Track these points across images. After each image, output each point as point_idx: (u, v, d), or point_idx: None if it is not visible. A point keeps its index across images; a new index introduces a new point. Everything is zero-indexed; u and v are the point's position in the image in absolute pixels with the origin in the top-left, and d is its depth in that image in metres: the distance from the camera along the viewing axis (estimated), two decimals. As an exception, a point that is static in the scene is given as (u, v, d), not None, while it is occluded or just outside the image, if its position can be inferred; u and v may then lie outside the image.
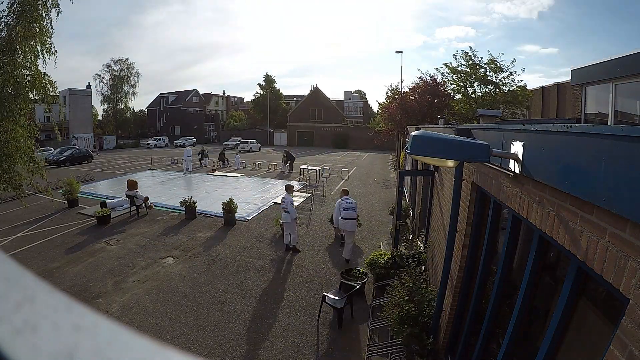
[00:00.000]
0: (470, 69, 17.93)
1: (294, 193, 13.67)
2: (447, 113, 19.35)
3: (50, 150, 29.69)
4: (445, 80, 19.94)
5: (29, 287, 0.25)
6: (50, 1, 7.56)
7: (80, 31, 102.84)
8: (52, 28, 7.82)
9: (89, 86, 45.62)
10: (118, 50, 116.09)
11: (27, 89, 7.65)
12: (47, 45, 7.73)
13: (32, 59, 7.60)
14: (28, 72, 7.65)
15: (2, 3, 7.32)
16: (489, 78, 17.55)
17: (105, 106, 54.25)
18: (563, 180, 1.61)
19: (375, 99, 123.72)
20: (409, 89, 22.75)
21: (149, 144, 44.39)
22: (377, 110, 32.98)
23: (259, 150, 39.52)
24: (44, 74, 7.84)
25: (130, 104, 55.65)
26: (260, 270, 7.80)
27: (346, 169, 22.19)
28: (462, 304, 3.80)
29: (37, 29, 7.50)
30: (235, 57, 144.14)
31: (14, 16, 7.34)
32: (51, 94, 8.09)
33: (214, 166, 22.80)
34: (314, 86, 50.93)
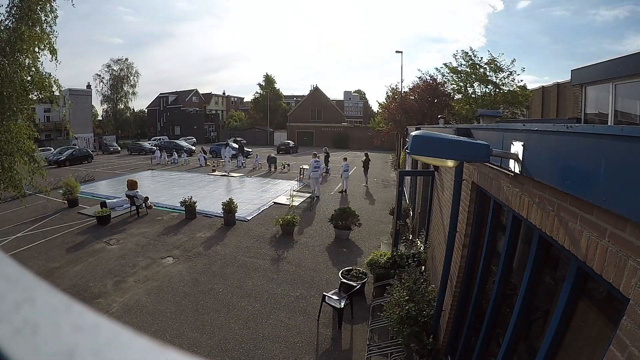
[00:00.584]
0: (470, 68, 17.92)
1: (295, 193, 13.66)
2: (447, 113, 19.35)
3: (50, 150, 29.71)
4: (445, 80, 19.93)
5: (29, 287, 0.25)
6: (48, 6, 7.59)
7: (122, 43, 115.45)
8: (52, 30, 7.85)
9: (89, 86, 45.62)
10: (147, 57, 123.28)
11: (29, 89, 7.69)
12: (49, 46, 7.75)
13: (33, 60, 7.62)
14: (30, 72, 7.67)
15: (1, 6, 7.36)
16: (489, 78, 17.54)
17: (105, 106, 54.31)
18: (563, 180, 1.61)
19: (375, 99, 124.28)
20: (409, 89, 22.76)
21: (149, 143, 44.40)
22: (377, 110, 32.96)
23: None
24: (49, 74, 7.89)
25: (130, 104, 55.74)
26: (260, 270, 7.81)
27: (346, 169, 22.14)
28: (462, 304, 3.80)
29: (39, 31, 7.53)
30: (242, 62, 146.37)
31: (13, 19, 7.37)
32: (56, 93, 8.14)
33: (213, 166, 22.80)
34: (314, 86, 50.93)
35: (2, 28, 7.34)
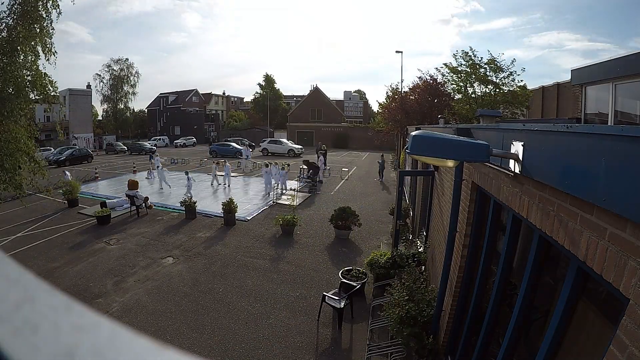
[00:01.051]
0: (470, 68, 17.88)
1: (295, 193, 13.66)
2: (447, 113, 19.32)
3: (50, 150, 29.72)
4: (446, 80, 19.90)
5: (29, 287, 0.25)
6: (50, 2, 7.57)
7: (155, 54, 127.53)
8: (52, 29, 7.83)
9: (89, 86, 45.61)
10: (170, 64, 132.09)
11: (27, 89, 7.67)
12: (48, 46, 7.74)
13: (33, 59, 7.61)
14: (29, 72, 7.66)
15: (2, 4, 7.33)
16: (489, 78, 17.51)
17: (105, 106, 54.34)
18: (563, 180, 1.61)
19: (376, 99, 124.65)
20: (409, 88, 22.74)
21: (148, 144, 44.47)
22: (377, 110, 32.93)
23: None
24: (45, 74, 7.86)
25: (130, 104, 55.77)
26: (260, 270, 7.81)
27: (346, 169, 22.19)
28: (462, 304, 3.80)
29: (38, 30, 7.51)
30: (248, 67, 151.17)
31: (14, 17, 7.35)
32: (52, 93, 8.12)
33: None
34: (314, 86, 50.92)
35: (3, 26, 7.33)
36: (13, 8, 7.35)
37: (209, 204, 13.15)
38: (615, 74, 7.75)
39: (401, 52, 25.43)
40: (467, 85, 18.44)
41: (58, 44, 7.67)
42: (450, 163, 2.46)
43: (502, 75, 17.35)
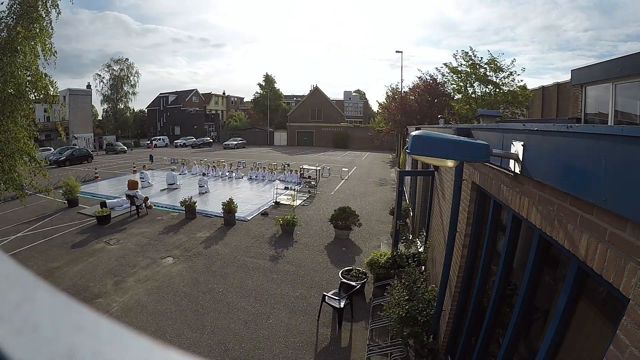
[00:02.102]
0: (470, 68, 17.89)
1: (294, 193, 13.66)
2: (447, 113, 19.33)
3: (50, 150, 29.72)
4: (446, 80, 19.91)
5: (29, 287, 0.25)
6: (50, 1, 7.56)
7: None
8: (52, 29, 7.82)
9: (89, 86, 45.56)
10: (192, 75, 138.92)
11: (27, 89, 7.66)
12: (47, 46, 7.73)
13: (32, 59, 7.59)
14: (28, 72, 7.64)
15: (2, 4, 7.32)
16: (489, 78, 17.52)
17: (105, 106, 54.33)
18: (563, 180, 1.61)
19: (375, 99, 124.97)
20: (409, 89, 22.76)
21: (149, 143, 44.52)
22: (377, 110, 32.97)
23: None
24: (45, 74, 7.85)
25: (130, 104, 55.77)
26: (260, 270, 7.81)
27: (346, 169, 22.18)
28: (462, 304, 3.80)
29: (37, 30, 7.50)
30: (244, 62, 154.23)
31: (14, 17, 7.33)
32: (52, 94, 8.10)
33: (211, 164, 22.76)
34: (314, 86, 50.91)
35: (2, 26, 7.31)
36: (13, 8, 7.33)
37: (209, 204, 13.14)
38: (615, 74, 7.74)
39: (401, 52, 25.48)
40: (467, 85, 18.45)
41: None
42: (450, 163, 2.46)
43: (502, 75, 17.36)
